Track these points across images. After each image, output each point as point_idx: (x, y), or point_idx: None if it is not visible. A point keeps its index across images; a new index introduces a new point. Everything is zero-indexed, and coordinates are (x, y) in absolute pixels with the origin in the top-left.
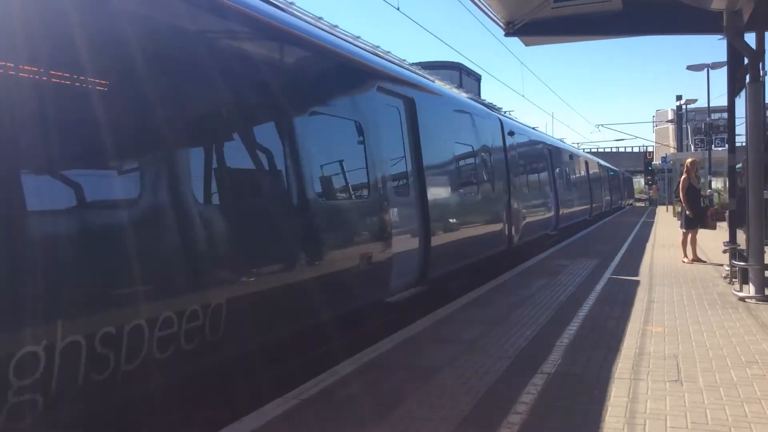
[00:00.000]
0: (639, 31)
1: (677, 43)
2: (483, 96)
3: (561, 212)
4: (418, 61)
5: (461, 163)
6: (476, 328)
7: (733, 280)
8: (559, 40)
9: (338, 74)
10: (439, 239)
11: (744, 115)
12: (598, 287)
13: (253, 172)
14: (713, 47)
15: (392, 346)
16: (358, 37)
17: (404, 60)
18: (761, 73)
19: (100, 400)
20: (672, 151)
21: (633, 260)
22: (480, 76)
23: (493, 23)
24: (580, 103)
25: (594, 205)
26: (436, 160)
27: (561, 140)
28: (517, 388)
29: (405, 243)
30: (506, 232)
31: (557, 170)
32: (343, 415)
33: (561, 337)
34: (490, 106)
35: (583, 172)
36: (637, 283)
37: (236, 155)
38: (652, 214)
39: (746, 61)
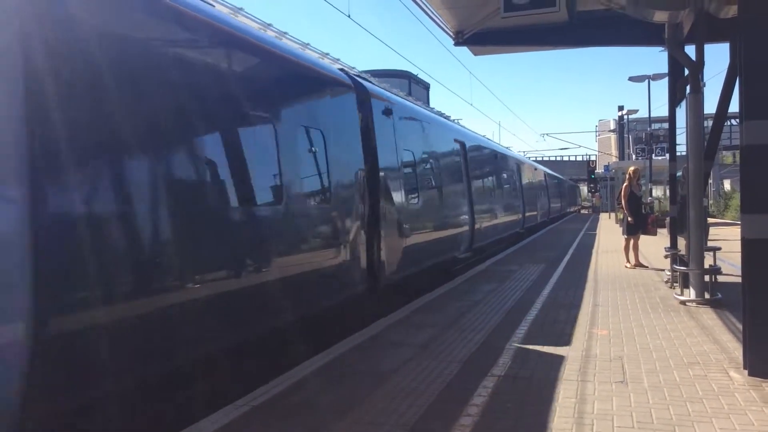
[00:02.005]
0: (583, 42)
1: (619, 55)
2: (432, 104)
3: (478, 226)
4: (368, 68)
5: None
6: (427, 333)
7: (674, 284)
8: (506, 50)
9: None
10: None
11: (684, 125)
12: (545, 292)
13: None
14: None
15: (345, 350)
16: (308, 44)
17: (353, 67)
18: (701, 84)
19: None
20: (614, 159)
21: (578, 266)
22: (429, 84)
23: (443, 33)
24: (526, 112)
25: (528, 215)
26: None
27: (507, 148)
28: (468, 390)
29: None
30: (363, 266)
31: (475, 172)
32: (296, 421)
33: (510, 340)
34: (440, 114)
35: (515, 176)
36: (583, 287)
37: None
38: (595, 222)
39: (686, 72)
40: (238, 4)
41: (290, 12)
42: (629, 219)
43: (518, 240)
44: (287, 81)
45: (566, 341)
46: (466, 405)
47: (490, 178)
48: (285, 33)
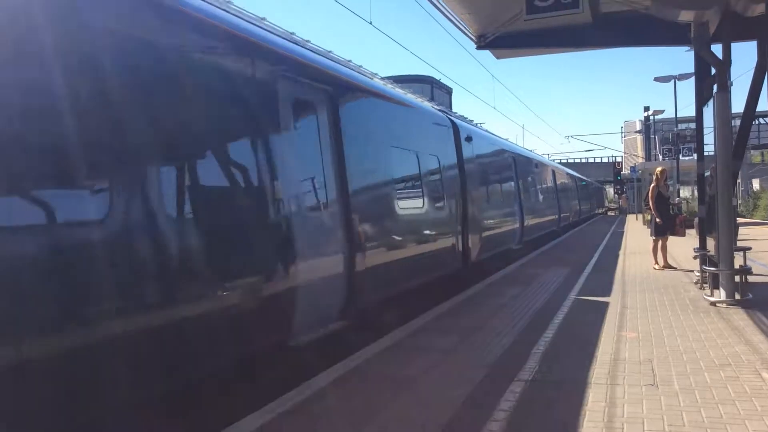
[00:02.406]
0: (607, 43)
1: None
2: (455, 108)
3: (526, 224)
4: (390, 74)
5: (398, 171)
6: (452, 338)
7: (704, 285)
8: (530, 52)
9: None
10: (372, 258)
11: (712, 125)
12: (572, 295)
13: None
14: (680, 59)
15: (368, 356)
16: (330, 52)
17: (376, 74)
18: (728, 83)
19: None
20: (640, 160)
21: (605, 268)
22: (451, 89)
23: (465, 37)
24: (550, 114)
25: (563, 215)
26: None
27: (531, 151)
28: (495, 396)
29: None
30: (459, 250)
31: (523, 180)
32: (320, 428)
33: (537, 344)
34: (461, 118)
35: (551, 182)
36: (611, 290)
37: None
38: (622, 223)
39: (713, 71)
40: (260, 13)
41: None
42: (657, 220)
43: (555, 236)
44: (423, 125)
45: (595, 344)
46: (494, 410)
47: (534, 185)
48: (308, 41)
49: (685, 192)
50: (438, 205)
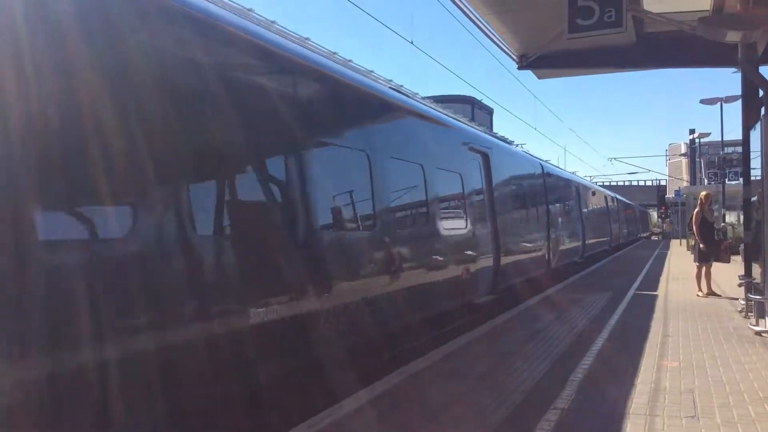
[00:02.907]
0: (652, 63)
1: (690, 76)
2: (495, 129)
3: (587, 242)
4: (431, 94)
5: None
6: (486, 362)
7: (749, 314)
8: (572, 72)
9: None
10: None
11: (759, 148)
12: (613, 320)
13: None
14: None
15: (400, 380)
16: (372, 71)
17: (416, 93)
18: None
19: None
20: (685, 184)
21: (647, 293)
22: (492, 109)
23: (506, 56)
24: (593, 136)
25: (613, 236)
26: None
27: (573, 173)
28: (531, 423)
29: None
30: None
31: (584, 206)
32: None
33: (575, 371)
34: (504, 139)
35: (603, 206)
36: (652, 316)
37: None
38: (666, 247)
39: (761, 93)
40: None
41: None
42: (701, 246)
43: (607, 254)
44: (530, 169)
45: (634, 373)
46: None
47: (593, 209)
48: (350, 60)
49: (731, 217)
50: (532, 222)
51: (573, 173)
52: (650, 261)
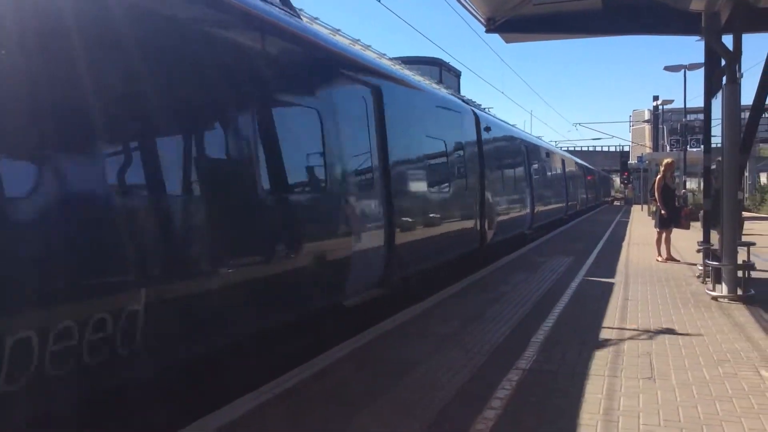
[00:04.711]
0: (618, 30)
1: (655, 44)
2: (463, 92)
3: (536, 210)
4: (398, 55)
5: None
6: (453, 324)
7: (707, 279)
8: (539, 37)
9: None
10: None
11: (720, 117)
12: (574, 284)
13: None
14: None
15: (366, 341)
16: (339, 30)
17: (384, 54)
18: (738, 75)
19: None
20: (648, 150)
21: (608, 258)
22: (460, 72)
23: (474, 19)
24: (559, 101)
25: (570, 203)
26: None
27: (538, 137)
28: (492, 384)
29: None
30: (479, 229)
31: (533, 167)
32: (315, 412)
33: (537, 333)
34: (469, 102)
35: (560, 170)
36: (613, 281)
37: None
38: (628, 213)
39: (723, 62)
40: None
41: None
42: (662, 212)
43: (559, 225)
44: (455, 118)
45: (594, 335)
46: (490, 398)
47: (546, 173)
48: (316, 18)
49: (692, 184)
50: (456, 187)
51: (538, 137)
52: (612, 225)
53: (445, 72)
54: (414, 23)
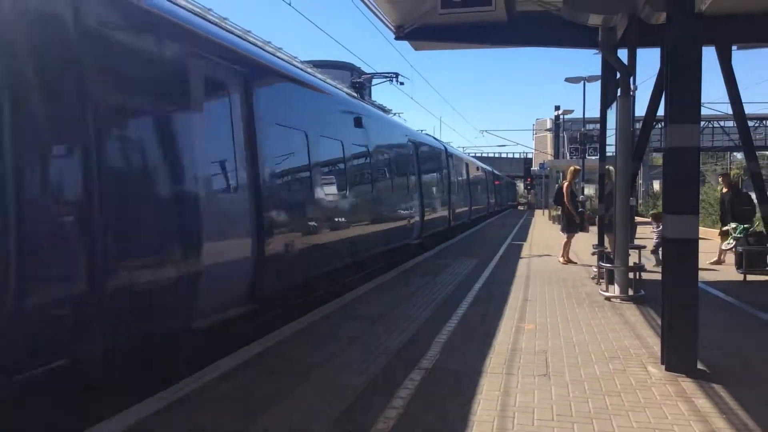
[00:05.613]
0: (521, 42)
1: (558, 56)
2: (374, 98)
3: (427, 218)
4: (309, 59)
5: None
6: (358, 325)
7: (600, 280)
8: (446, 46)
9: None
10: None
11: (615, 127)
12: (477, 286)
13: None
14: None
15: (275, 342)
16: (249, 32)
17: (295, 57)
18: (631, 88)
19: None
20: (549, 158)
21: (510, 260)
22: (371, 77)
23: (385, 26)
24: (467, 109)
25: (473, 208)
26: None
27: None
28: (395, 383)
29: None
30: (446, 216)
31: (425, 171)
32: (218, 414)
33: (440, 333)
34: (383, 108)
35: (463, 175)
36: (513, 282)
37: None
38: (530, 217)
39: (618, 75)
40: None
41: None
42: (573, 217)
43: (463, 230)
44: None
45: (494, 335)
46: (392, 397)
47: (441, 176)
48: (225, 18)
49: (589, 190)
50: (444, 195)
51: (447, 143)
52: (516, 228)
53: (356, 76)
54: (325, 26)
